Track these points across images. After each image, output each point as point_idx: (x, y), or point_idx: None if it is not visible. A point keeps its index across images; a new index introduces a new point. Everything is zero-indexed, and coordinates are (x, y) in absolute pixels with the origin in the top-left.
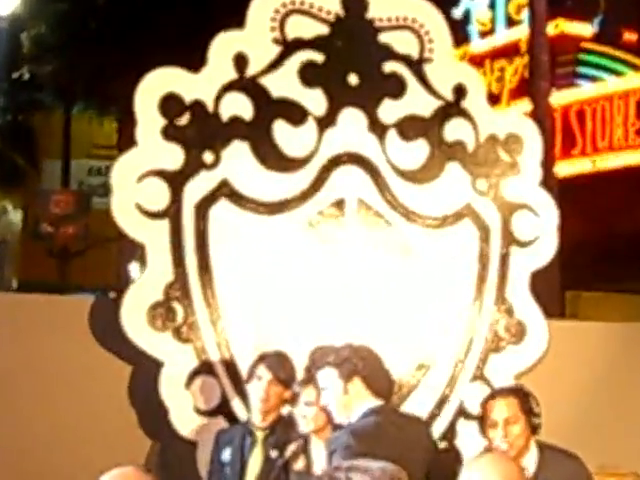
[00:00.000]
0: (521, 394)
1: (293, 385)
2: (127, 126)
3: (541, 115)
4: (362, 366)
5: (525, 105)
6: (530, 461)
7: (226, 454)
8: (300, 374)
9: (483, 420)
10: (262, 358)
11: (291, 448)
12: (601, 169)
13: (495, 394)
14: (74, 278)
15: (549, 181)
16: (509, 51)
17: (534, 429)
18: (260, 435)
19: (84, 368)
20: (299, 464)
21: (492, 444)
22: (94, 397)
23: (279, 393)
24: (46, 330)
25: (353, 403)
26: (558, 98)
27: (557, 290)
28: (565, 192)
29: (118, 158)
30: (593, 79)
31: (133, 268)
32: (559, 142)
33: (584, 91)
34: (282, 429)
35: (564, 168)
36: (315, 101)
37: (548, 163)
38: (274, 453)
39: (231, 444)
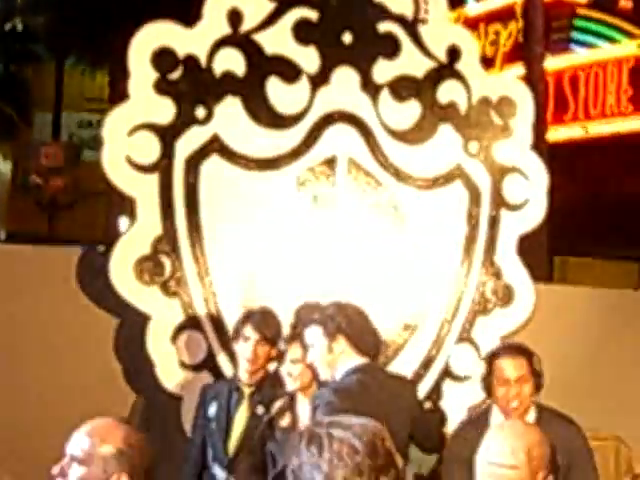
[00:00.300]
0: (528, 354)
1: (279, 342)
2: (119, 80)
3: (534, 80)
4: (347, 324)
5: (519, 69)
6: (528, 420)
7: (212, 409)
8: (287, 331)
9: (490, 377)
10: (248, 317)
11: (277, 405)
12: (592, 135)
13: (504, 352)
14: (62, 231)
15: (540, 145)
16: (504, 15)
17: (537, 388)
18: (247, 391)
19: (71, 320)
20: (285, 420)
21: (500, 402)
22: (80, 349)
23: (266, 352)
24: (33, 281)
25: (338, 361)
26: (552, 63)
27: (545, 255)
28: (556, 157)
29: (110, 111)
30: (587, 45)
31: (122, 222)
32: (551, 107)
33: (578, 57)
34: (269, 386)
35: (555, 133)
36: (309, 59)
37: (540, 127)
38: (260, 409)
39: (217, 399)
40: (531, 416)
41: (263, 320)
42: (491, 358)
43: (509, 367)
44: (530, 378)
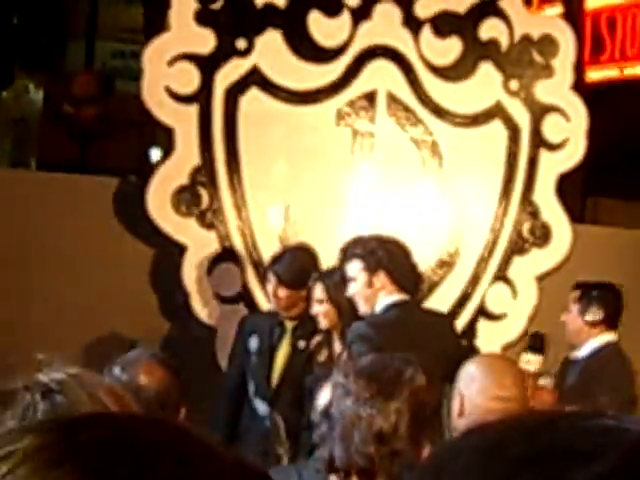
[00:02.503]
0: None
1: (310, 281)
2: (154, 10)
3: (573, 19)
4: (388, 259)
5: (557, 9)
6: None
7: (253, 343)
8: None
9: None
10: (273, 261)
11: (315, 340)
12: (628, 76)
13: None
14: (94, 160)
15: (579, 85)
16: None
17: None
18: (289, 326)
19: (104, 249)
20: (323, 356)
21: None
22: (114, 279)
23: (290, 294)
24: (66, 209)
25: (377, 296)
26: (590, 4)
27: (578, 195)
28: (592, 98)
29: (151, 41)
30: None
31: (154, 153)
32: (588, 48)
33: None
34: (310, 320)
35: (592, 74)
36: None
37: (579, 67)
38: (302, 344)
39: (258, 333)
40: None
41: (286, 264)
42: None
43: None
44: None
